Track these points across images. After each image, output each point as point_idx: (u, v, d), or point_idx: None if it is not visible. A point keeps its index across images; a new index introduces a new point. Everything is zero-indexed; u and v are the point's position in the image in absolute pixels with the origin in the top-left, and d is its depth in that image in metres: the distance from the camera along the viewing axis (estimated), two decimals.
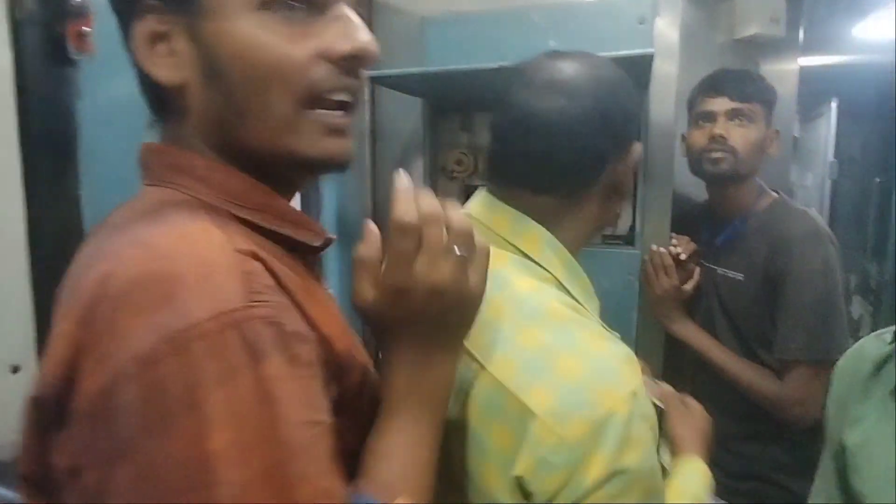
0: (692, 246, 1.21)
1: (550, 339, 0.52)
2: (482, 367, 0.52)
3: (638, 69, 1.07)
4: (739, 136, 1.12)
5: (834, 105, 3.39)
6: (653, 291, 1.19)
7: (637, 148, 0.61)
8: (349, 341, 0.45)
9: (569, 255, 0.59)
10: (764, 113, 1.12)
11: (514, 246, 0.58)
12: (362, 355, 0.47)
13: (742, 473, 1.16)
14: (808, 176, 3.88)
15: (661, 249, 1.19)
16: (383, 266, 0.44)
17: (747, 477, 1.15)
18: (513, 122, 0.58)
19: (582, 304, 0.59)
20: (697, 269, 1.21)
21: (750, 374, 1.09)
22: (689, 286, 1.20)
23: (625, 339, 1.25)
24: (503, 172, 0.60)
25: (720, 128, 1.13)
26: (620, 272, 1.29)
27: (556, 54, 0.60)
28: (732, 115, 1.13)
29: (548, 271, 0.58)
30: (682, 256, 1.18)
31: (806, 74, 1.43)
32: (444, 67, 1.17)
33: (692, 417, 0.81)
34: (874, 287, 3.06)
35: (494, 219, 0.60)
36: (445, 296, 0.43)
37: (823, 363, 1.00)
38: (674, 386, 1.42)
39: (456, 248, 0.44)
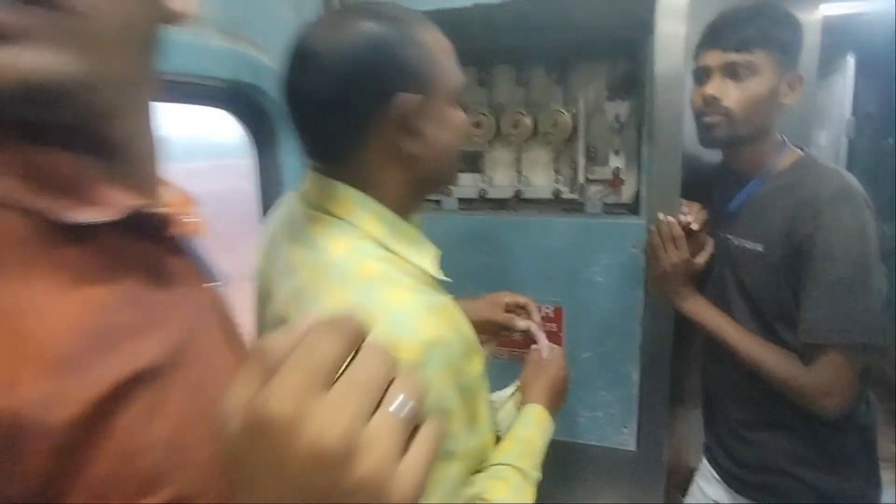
0: (704, 214, 1.09)
1: (355, 298, 0.55)
2: None
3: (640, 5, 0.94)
4: (736, 94, 0.98)
5: (851, 60, 3.21)
6: (660, 266, 1.07)
7: (403, 101, 0.59)
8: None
9: (389, 212, 0.63)
10: (773, 59, 0.96)
11: (328, 212, 0.62)
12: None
13: (755, 464, 1.06)
14: (823, 134, 3.72)
15: (670, 218, 1.07)
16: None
17: (761, 468, 1.06)
18: (283, 92, 0.62)
19: (408, 259, 0.62)
20: (710, 240, 1.09)
21: (772, 359, 0.97)
22: (700, 259, 1.09)
23: (630, 319, 1.20)
24: (299, 144, 0.66)
25: (712, 87, 1.00)
26: (623, 244, 1.19)
27: (328, 18, 0.62)
28: (727, 70, 0.98)
29: (362, 229, 0.61)
30: (694, 226, 1.06)
31: (823, 25, 1.28)
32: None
33: (542, 369, 0.88)
34: (893, 249, 2.96)
35: (310, 189, 0.66)
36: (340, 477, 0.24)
37: (856, 347, 0.90)
38: (683, 378, 1.36)
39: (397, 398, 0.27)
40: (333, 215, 0.62)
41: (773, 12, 0.97)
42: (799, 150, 1.03)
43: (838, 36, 2.93)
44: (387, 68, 0.58)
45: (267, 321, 0.67)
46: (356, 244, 0.60)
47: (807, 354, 0.93)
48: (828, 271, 0.90)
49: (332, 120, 0.60)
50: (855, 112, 3.27)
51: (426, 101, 0.60)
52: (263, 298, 0.70)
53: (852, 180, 0.94)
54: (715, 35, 0.99)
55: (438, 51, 0.62)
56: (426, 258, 0.65)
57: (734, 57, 0.97)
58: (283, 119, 0.68)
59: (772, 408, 1.02)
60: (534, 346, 0.95)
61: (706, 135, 1.03)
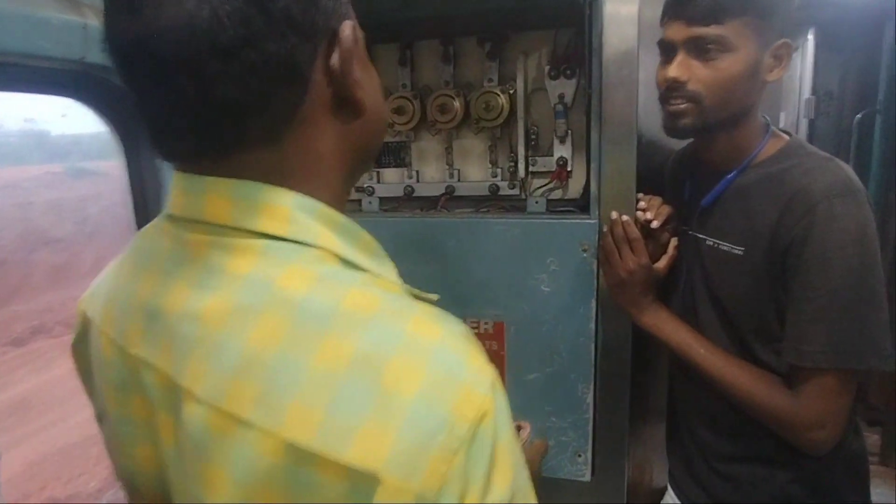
0: (666, 209, 0.92)
1: (364, 345, 0.36)
2: (265, 432, 0.35)
3: None
4: (704, 75, 0.80)
5: (811, 36, 3.15)
6: (614, 273, 0.91)
7: (346, 29, 0.42)
8: None
9: (334, 212, 0.43)
10: (752, 29, 0.78)
11: (251, 232, 0.40)
12: None
13: (731, 500, 0.91)
14: (782, 116, 3.68)
15: (624, 217, 0.90)
16: None
17: None
18: (131, 53, 0.38)
19: (380, 276, 0.43)
20: (674, 241, 0.93)
21: (749, 382, 0.81)
22: (662, 264, 0.92)
23: (582, 334, 1.03)
24: (166, 138, 0.42)
25: (674, 68, 0.81)
26: (572, 248, 1.02)
27: None
28: (693, 46, 0.80)
29: (315, 247, 0.41)
30: (654, 224, 0.90)
31: None
32: None
33: None
34: None
35: (207, 203, 0.41)
36: None
37: (852, 373, 0.75)
38: (646, 392, 1.22)
39: None
40: (259, 234, 0.41)
41: None
42: (785, 135, 0.87)
43: (798, 11, 2.87)
44: None
45: (183, 426, 0.40)
46: (319, 269, 0.40)
47: (793, 378, 0.78)
48: (822, 282, 0.74)
49: (253, 74, 0.38)
50: (815, 90, 3.22)
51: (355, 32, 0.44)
52: (132, 397, 0.45)
53: (850, 171, 0.78)
54: (677, 2, 0.81)
55: None
56: (393, 273, 0.47)
57: (701, 31, 0.78)
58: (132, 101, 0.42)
59: (750, 437, 0.87)
60: (516, 424, 0.83)
61: (670, 123, 0.85)
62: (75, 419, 4.23)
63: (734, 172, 0.86)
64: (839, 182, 0.76)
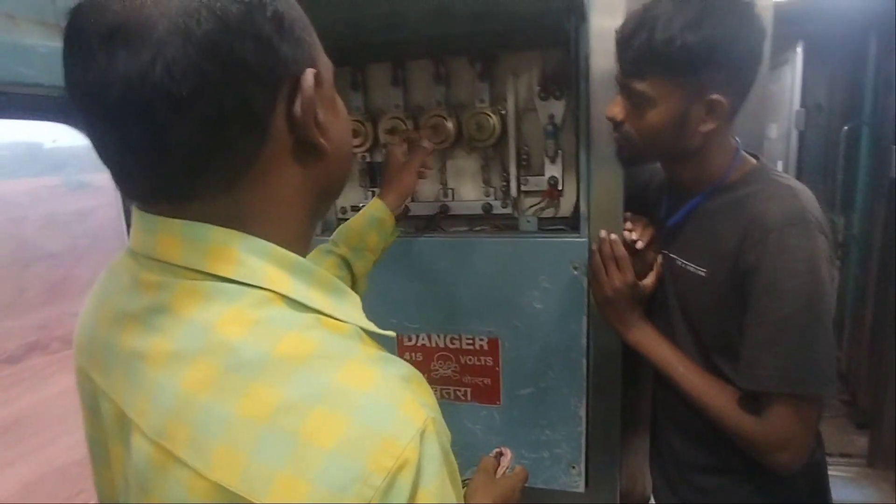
0: (651, 230, 0.94)
1: (289, 395, 0.36)
2: (196, 473, 0.36)
3: None
4: (634, 119, 0.84)
5: (800, 49, 3.20)
6: (602, 290, 0.92)
7: (308, 77, 0.42)
8: None
9: (288, 253, 0.44)
10: (676, 86, 0.78)
11: (198, 272, 0.41)
12: None
13: None
14: (773, 127, 3.72)
15: (613, 236, 0.92)
16: None
17: None
18: (87, 100, 0.39)
19: (331, 315, 0.43)
20: (659, 259, 0.95)
21: (723, 404, 0.83)
22: (648, 281, 0.94)
23: (574, 349, 1.05)
24: (125, 179, 0.43)
25: (611, 108, 0.86)
26: (563, 265, 1.04)
27: None
28: (625, 92, 0.84)
29: (262, 288, 0.41)
30: (639, 244, 0.92)
31: (774, 14, 1.16)
32: None
33: (494, 483, 0.80)
34: (842, 241, 3.00)
35: (159, 242, 0.42)
36: None
37: (810, 398, 0.77)
38: (636, 404, 1.23)
39: None
40: (204, 276, 0.41)
41: (681, 25, 0.75)
42: (752, 159, 0.89)
43: (787, 25, 2.91)
44: (281, 33, 0.41)
45: (131, 457, 0.43)
46: (259, 313, 0.40)
47: (759, 402, 0.80)
48: (772, 308, 0.76)
49: (207, 124, 0.38)
50: (804, 103, 3.26)
51: (319, 77, 0.44)
52: (98, 424, 0.48)
53: (807, 200, 0.79)
54: (617, 48, 0.83)
55: (306, 17, 0.46)
56: (354, 309, 0.46)
57: (628, 81, 0.82)
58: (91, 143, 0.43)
59: (718, 450, 0.89)
60: (496, 450, 0.86)
61: (615, 152, 0.92)
62: (74, 437, 4.17)
63: (700, 196, 0.89)
64: (794, 211, 0.77)
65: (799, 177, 3.37)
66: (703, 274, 0.85)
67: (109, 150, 0.41)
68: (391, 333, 0.47)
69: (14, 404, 4.59)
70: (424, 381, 0.43)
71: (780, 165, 3.62)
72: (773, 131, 3.79)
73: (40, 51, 0.75)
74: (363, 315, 0.46)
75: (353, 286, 0.93)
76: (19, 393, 4.71)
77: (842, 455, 2.26)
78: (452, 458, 0.42)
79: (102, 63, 0.36)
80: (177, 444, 0.38)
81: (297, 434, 0.35)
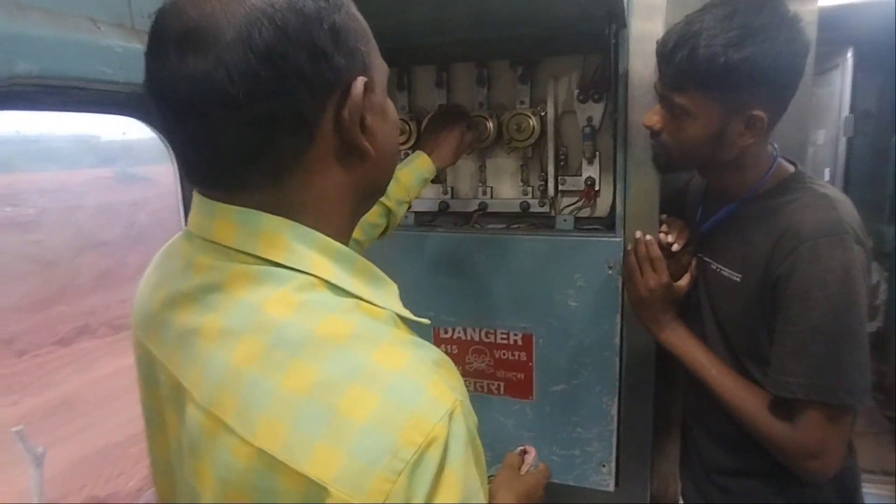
0: (687, 233, 0.95)
1: (328, 372, 0.40)
2: (242, 439, 0.40)
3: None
4: (672, 130, 0.85)
5: (850, 55, 3.10)
6: (636, 290, 0.94)
7: (358, 85, 0.45)
8: None
9: (333, 241, 0.47)
10: (716, 100, 0.79)
11: (250, 255, 0.45)
12: None
13: None
14: (821, 134, 3.61)
15: (648, 237, 0.93)
16: None
17: None
18: (157, 93, 0.44)
19: (370, 301, 0.47)
20: (694, 262, 0.96)
21: (755, 409, 0.83)
22: (683, 282, 0.95)
23: (607, 347, 1.06)
24: (190, 167, 0.47)
25: (650, 117, 0.87)
26: (599, 264, 1.06)
27: None
28: (665, 103, 0.85)
29: (308, 274, 0.45)
30: (675, 247, 0.93)
31: (819, 20, 1.14)
32: None
33: (519, 479, 0.80)
34: (891, 251, 2.88)
35: (216, 226, 0.47)
36: None
37: (842, 407, 0.77)
38: (669, 407, 1.23)
39: None
40: (256, 259, 0.45)
41: (724, 42, 0.74)
42: (790, 166, 0.89)
43: (837, 30, 2.83)
44: (336, 44, 0.44)
45: (185, 423, 0.47)
46: (303, 296, 0.44)
47: (792, 409, 0.80)
48: (803, 317, 0.76)
49: (259, 125, 0.42)
50: (854, 109, 3.17)
51: (369, 86, 0.47)
52: (153, 389, 0.53)
53: (844, 209, 0.79)
54: (658, 60, 0.84)
55: (367, 27, 0.49)
56: (391, 297, 0.50)
57: (668, 93, 0.83)
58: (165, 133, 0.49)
59: (746, 453, 0.89)
60: (521, 448, 0.87)
61: (651, 158, 0.94)
62: (117, 419, 4.36)
63: (734, 204, 0.89)
64: (828, 221, 0.77)
65: (846, 184, 3.27)
66: (737, 279, 0.86)
67: (175, 140, 0.46)
68: (425, 321, 0.50)
69: (64, 385, 4.83)
70: (453, 366, 0.46)
71: (826, 173, 3.52)
72: (821, 137, 3.68)
73: (117, 51, 0.82)
74: (399, 302, 0.50)
75: (384, 233, 0.98)
76: (68, 375, 4.95)
77: (884, 472, 2.19)
78: (478, 440, 0.45)
79: (174, 63, 0.41)
80: (226, 412, 0.41)
81: (334, 408, 0.38)
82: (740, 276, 0.86)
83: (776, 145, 0.90)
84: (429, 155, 1.01)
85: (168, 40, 0.42)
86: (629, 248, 0.96)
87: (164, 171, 1.10)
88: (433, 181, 1.21)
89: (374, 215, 0.93)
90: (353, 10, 0.48)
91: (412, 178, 0.98)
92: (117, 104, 0.89)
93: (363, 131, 0.47)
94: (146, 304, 0.53)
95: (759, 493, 0.90)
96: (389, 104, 0.53)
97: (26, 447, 3.18)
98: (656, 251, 0.92)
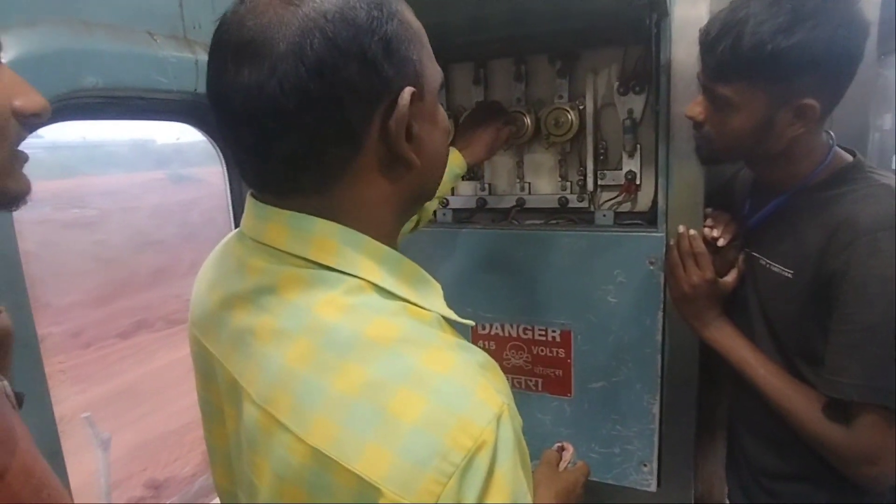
0: (734, 227, 0.92)
1: (378, 373, 0.41)
2: (297, 437, 0.41)
3: None
4: (716, 122, 0.82)
5: None
6: (679, 286, 0.92)
7: (405, 96, 0.45)
8: None
9: (380, 245, 0.48)
10: (762, 90, 0.75)
11: (302, 259, 0.46)
12: None
13: None
14: (888, 118, 3.39)
15: (691, 231, 0.91)
16: None
17: None
18: (219, 101, 0.45)
19: (416, 304, 0.48)
20: (742, 257, 0.93)
21: (805, 409, 0.80)
22: (730, 278, 0.93)
23: (648, 344, 1.05)
24: (245, 172, 0.49)
25: (693, 108, 0.84)
26: (640, 260, 1.04)
27: None
28: (708, 94, 0.82)
29: (357, 277, 0.46)
30: (720, 242, 0.90)
31: None
32: None
33: (557, 476, 0.81)
34: None
35: (269, 229, 0.48)
36: None
37: None
38: (714, 407, 1.20)
39: None
40: (307, 262, 0.46)
41: (772, 29, 0.71)
42: (849, 156, 0.85)
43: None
44: (387, 54, 0.44)
45: (242, 419, 0.49)
46: (352, 299, 0.45)
47: (848, 411, 0.76)
48: (860, 316, 0.73)
49: (307, 134, 0.43)
50: None
51: (418, 94, 0.47)
52: (210, 384, 0.55)
53: None
54: (701, 50, 0.81)
55: (422, 33, 0.49)
56: (437, 299, 0.50)
57: (712, 84, 0.80)
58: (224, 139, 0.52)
59: (796, 456, 0.86)
60: (558, 444, 0.88)
61: (695, 150, 0.90)
62: (173, 408, 4.59)
63: (784, 196, 0.86)
64: (889, 214, 0.73)
65: None
66: (789, 275, 0.83)
67: (231, 146, 0.48)
68: (470, 322, 0.51)
69: (125, 375, 5.12)
70: (499, 368, 0.47)
71: (894, 160, 3.31)
72: (888, 122, 3.47)
73: (171, 61, 0.86)
74: (444, 304, 0.50)
75: (415, 227, 1.00)
76: (129, 366, 5.25)
77: None
78: (524, 443, 0.45)
79: (231, 73, 0.43)
80: (280, 410, 0.43)
81: (384, 409, 0.39)
82: (792, 272, 0.82)
83: (832, 133, 0.86)
84: (462, 150, 1.01)
85: (226, 51, 0.44)
86: (671, 243, 0.94)
87: (213, 172, 1.16)
88: (470, 178, 1.23)
89: None
90: (408, 16, 0.48)
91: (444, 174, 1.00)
92: (173, 111, 0.94)
93: (409, 140, 0.47)
94: (203, 303, 0.55)
95: (810, 498, 0.87)
96: (440, 111, 0.53)
97: (94, 432, 3.39)
98: (700, 246, 0.90)
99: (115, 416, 4.48)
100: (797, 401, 0.81)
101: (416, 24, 0.49)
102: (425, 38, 0.50)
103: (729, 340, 0.90)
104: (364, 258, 0.47)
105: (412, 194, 0.52)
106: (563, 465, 0.83)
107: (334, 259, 0.46)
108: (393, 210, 0.51)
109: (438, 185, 0.57)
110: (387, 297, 0.46)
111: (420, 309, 0.47)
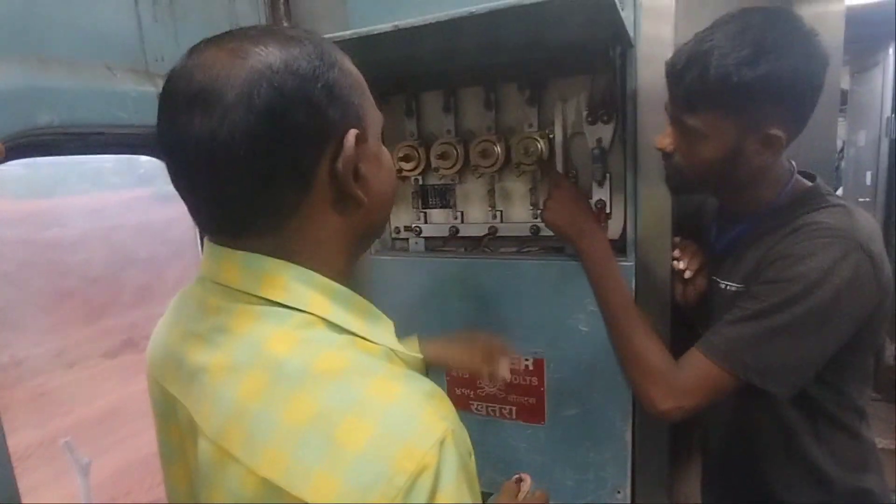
0: (700, 257, 0.93)
1: (325, 403, 0.42)
2: (248, 469, 0.42)
3: (602, 16, 0.78)
4: (684, 152, 0.83)
5: (892, 51, 2.97)
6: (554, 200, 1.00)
7: (350, 138, 0.48)
8: None
9: (330, 282, 0.50)
10: (730, 121, 0.77)
11: (253, 296, 0.48)
12: None
13: None
14: (862, 134, 3.46)
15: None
16: None
17: None
18: (167, 148, 0.47)
19: (365, 338, 0.50)
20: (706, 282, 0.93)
21: (644, 333, 0.86)
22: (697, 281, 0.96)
23: (619, 372, 1.04)
24: (199, 217, 0.51)
25: (662, 139, 0.86)
26: None
27: (217, 42, 0.47)
28: (676, 124, 0.83)
29: (307, 312, 0.48)
30: (687, 274, 0.91)
31: (857, 16, 1.10)
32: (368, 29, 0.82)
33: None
34: None
35: (223, 269, 0.50)
36: None
37: (734, 378, 0.77)
38: (689, 429, 1.20)
39: None
40: (259, 299, 0.48)
41: (737, 61, 0.72)
42: (807, 181, 0.86)
43: (877, 25, 2.70)
44: (330, 99, 0.47)
45: (198, 457, 0.49)
46: (302, 334, 0.47)
47: (687, 353, 0.82)
48: (765, 297, 0.76)
49: (260, 177, 0.45)
50: None
51: (362, 136, 0.50)
52: (170, 425, 0.56)
53: (860, 222, 0.76)
54: (668, 81, 0.82)
55: (361, 81, 0.52)
56: (386, 333, 0.53)
57: (679, 115, 0.81)
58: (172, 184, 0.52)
59: (772, 478, 0.87)
60: (516, 476, 0.87)
61: (665, 180, 0.92)
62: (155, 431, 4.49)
63: (747, 224, 0.87)
64: (835, 226, 0.75)
65: (890, 189, 3.12)
66: (738, 288, 0.85)
67: (184, 192, 0.49)
68: (419, 355, 0.53)
69: (110, 395, 5.02)
70: (446, 397, 0.47)
71: (868, 176, 3.36)
72: (862, 138, 3.53)
73: (132, 95, 0.86)
74: (394, 338, 0.53)
75: None
76: (114, 386, 5.15)
77: None
78: (472, 467, 0.46)
79: (183, 122, 0.45)
80: (233, 444, 0.44)
81: (331, 437, 0.40)
82: (742, 285, 0.84)
83: (793, 161, 0.87)
84: (431, 350, 0.87)
85: (178, 101, 0.46)
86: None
87: None
88: (442, 206, 1.23)
89: None
90: (348, 64, 0.51)
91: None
92: (134, 145, 0.93)
93: (357, 180, 0.50)
94: (163, 345, 0.57)
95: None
96: (384, 151, 0.55)
97: (73, 458, 3.32)
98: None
99: (102, 436, 4.39)
100: (637, 320, 0.89)
101: (356, 72, 0.52)
102: (365, 85, 0.53)
103: (603, 252, 0.95)
104: (314, 294, 0.49)
105: (361, 231, 0.54)
106: (521, 496, 0.83)
107: (284, 295, 0.48)
108: (344, 247, 0.53)
109: (386, 222, 0.60)
110: (336, 331, 0.49)
111: (369, 342, 0.50)
